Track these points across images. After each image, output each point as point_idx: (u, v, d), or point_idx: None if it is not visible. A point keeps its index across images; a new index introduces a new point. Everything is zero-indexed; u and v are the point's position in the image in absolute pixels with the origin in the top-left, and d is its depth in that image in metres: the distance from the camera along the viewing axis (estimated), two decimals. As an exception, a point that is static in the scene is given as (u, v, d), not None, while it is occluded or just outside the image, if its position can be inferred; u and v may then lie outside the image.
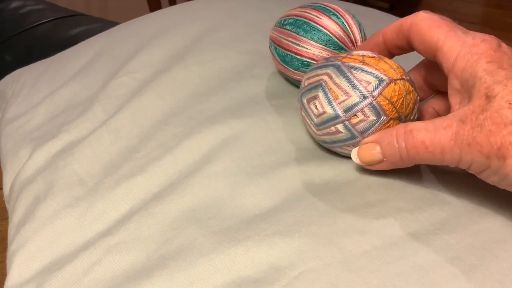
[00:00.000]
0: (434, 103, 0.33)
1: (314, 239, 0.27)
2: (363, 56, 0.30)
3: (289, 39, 0.36)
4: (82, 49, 0.52)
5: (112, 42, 0.50)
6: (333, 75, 0.30)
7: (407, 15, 0.30)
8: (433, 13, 0.29)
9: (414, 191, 0.29)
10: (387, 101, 0.28)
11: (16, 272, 0.30)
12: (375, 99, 0.28)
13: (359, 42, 0.35)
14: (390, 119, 0.29)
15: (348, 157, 0.32)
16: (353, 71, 0.29)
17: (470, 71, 0.25)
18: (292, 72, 0.36)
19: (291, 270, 0.26)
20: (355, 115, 0.29)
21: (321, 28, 0.35)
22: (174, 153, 0.34)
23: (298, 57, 0.35)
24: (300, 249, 0.27)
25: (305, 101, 0.32)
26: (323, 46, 0.34)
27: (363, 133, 0.29)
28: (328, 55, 0.34)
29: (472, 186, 0.29)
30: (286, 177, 0.31)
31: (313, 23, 0.35)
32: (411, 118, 0.30)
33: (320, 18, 0.35)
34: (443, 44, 0.27)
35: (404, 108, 0.29)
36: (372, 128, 0.29)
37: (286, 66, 0.37)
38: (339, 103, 0.29)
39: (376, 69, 0.29)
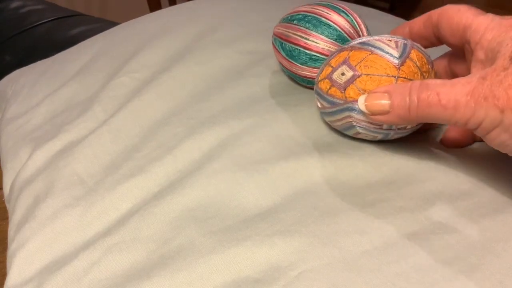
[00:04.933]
0: None
1: (314, 239, 0.27)
2: None
3: (298, 33, 0.36)
4: (82, 49, 0.52)
5: (112, 42, 0.50)
6: None
7: (407, 15, 0.31)
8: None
9: (414, 190, 0.29)
10: (416, 60, 0.30)
11: (16, 272, 0.30)
12: (411, 47, 0.30)
13: None
14: (411, 72, 0.29)
15: (348, 155, 0.32)
16: None
17: (498, 40, 0.26)
18: (298, 67, 0.36)
19: (291, 270, 0.26)
20: (387, 39, 0.30)
21: (331, 23, 0.35)
22: (174, 153, 0.34)
23: (307, 51, 0.35)
24: (300, 249, 0.27)
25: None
26: (333, 41, 0.35)
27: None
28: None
29: (472, 186, 0.29)
30: (286, 175, 0.31)
31: (323, 19, 0.35)
32: None
33: (329, 14, 0.36)
34: (472, 22, 0.28)
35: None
36: None
37: (292, 61, 0.37)
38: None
39: None
